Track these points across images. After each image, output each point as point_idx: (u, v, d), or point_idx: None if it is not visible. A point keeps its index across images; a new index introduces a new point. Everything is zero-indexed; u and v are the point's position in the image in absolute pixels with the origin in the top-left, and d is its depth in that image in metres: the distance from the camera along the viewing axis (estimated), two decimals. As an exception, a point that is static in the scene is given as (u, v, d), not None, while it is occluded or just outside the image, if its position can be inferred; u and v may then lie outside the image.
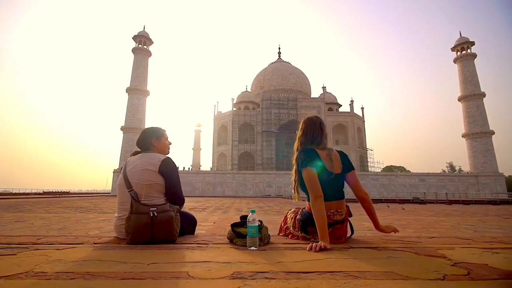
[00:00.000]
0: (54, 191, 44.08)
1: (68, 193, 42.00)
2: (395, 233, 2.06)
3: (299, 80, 58.33)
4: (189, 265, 1.32)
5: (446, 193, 25.57)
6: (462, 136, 45.94)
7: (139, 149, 2.32)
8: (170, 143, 2.46)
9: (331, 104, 53.81)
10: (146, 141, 2.28)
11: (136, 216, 1.92)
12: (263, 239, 1.93)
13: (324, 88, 53.53)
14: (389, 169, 62.48)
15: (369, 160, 51.17)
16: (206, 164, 64.00)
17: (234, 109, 51.14)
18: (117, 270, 1.22)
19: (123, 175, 2.10)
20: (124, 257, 1.48)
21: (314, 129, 2.06)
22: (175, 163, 2.26)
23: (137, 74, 43.20)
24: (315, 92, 59.79)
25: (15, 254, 1.53)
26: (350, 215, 2.14)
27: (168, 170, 2.13)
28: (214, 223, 5.04)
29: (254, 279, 1.11)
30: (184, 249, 1.74)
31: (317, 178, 1.89)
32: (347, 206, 2.10)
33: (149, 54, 45.57)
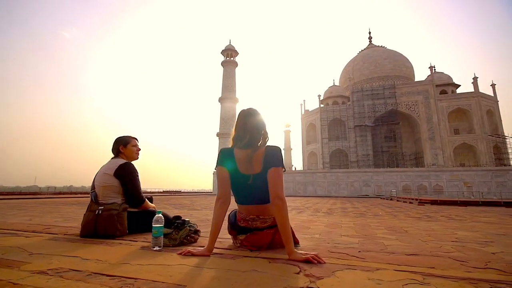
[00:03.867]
0: (170, 190, 55.08)
1: (179, 192, 51.34)
2: (316, 263, 1.48)
3: (397, 63, 50.77)
4: (51, 258, 1.52)
5: None
6: None
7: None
8: (139, 149, 2.76)
9: (444, 85, 44.20)
10: (115, 149, 2.65)
11: (88, 213, 2.30)
12: (177, 239, 1.94)
13: (432, 68, 44.62)
14: (548, 160, 45.97)
15: (509, 151, 39.11)
16: (297, 164, 64.07)
17: (322, 105, 49.31)
18: (7, 257, 1.54)
19: (93, 179, 2.52)
20: (42, 247, 1.83)
21: (239, 125, 1.89)
22: (134, 168, 2.54)
23: (227, 84, 47.86)
24: (421, 75, 50.63)
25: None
26: None
27: (123, 173, 2.43)
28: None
29: (48, 275, 1.20)
30: (104, 244, 1.96)
31: (225, 179, 1.79)
32: None
33: (236, 64, 49.80)
